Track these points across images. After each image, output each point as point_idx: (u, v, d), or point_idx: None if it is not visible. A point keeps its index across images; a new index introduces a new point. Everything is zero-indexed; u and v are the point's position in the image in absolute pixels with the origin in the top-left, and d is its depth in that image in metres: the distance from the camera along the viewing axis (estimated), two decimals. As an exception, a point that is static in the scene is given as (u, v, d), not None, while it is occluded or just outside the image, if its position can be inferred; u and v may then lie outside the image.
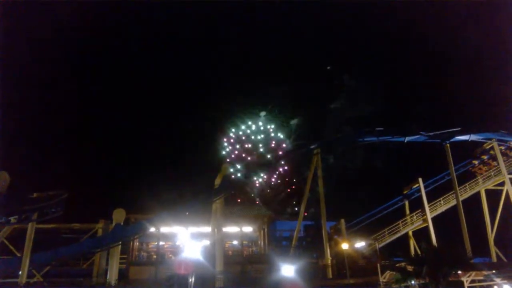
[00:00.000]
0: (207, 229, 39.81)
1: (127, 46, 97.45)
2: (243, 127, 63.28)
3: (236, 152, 61.35)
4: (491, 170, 46.77)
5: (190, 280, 23.86)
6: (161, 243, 41.54)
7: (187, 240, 37.94)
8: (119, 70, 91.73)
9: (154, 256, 41.23)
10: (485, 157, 48.73)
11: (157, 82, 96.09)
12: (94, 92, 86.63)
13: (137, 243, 41.64)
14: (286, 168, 55.77)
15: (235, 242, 45.68)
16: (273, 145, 59.85)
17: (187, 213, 37.17)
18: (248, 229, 44.25)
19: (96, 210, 45.81)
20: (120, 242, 34.70)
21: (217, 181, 38.43)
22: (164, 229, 40.52)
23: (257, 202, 49.35)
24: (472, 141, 44.18)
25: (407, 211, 46.74)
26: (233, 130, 63.57)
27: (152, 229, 37.66)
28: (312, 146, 40.08)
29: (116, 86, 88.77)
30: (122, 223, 35.91)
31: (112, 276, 33.58)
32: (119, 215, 36.12)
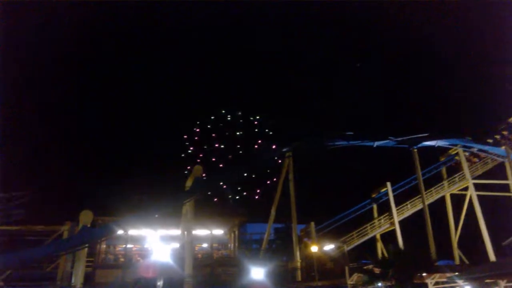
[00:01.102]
0: (176, 231, 39.37)
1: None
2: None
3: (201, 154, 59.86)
4: (456, 175, 48.32)
5: (158, 283, 23.48)
6: (129, 245, 40.80)
7: (156, 243, 37.36)
8: (86, 70, 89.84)
9: (122, 259, 40.44)
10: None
11: (126, 81, 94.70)
12: (62, 91, 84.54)
13: (104, 246, 40.78)
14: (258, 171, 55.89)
15: (205, 245, 45.40)
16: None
17: (156, 216, 36.65)
18: (218, 232, 44.08)
19: (62, 211, 44.50)
20: (87, 245, 33.81)
21: (188, 183, 38.05)
22: (133, 232, 39.83)
23: (229, 205, 49.20)
24: (439, 147, 45.39)
25: (375, 215, 47.61)
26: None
27: (120, 232, 36.98)
28: (284, 149, 40.29)
29: (84, 86, 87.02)
30: (89, 225, 34.99)
31: (78, 279, 32.66)
32: (86, 217, 35.11)
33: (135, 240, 41.29)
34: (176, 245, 38.54)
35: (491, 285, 31.86)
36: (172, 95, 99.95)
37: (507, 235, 34.27)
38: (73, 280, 33.15)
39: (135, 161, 75.87)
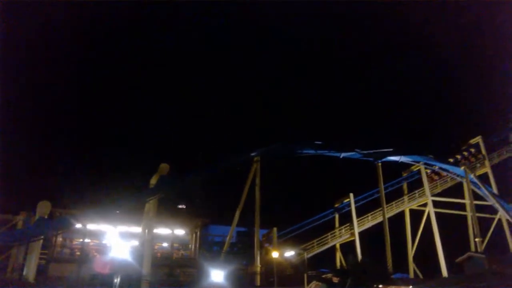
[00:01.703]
0: (137, 229, 38.62)
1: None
2: None
3: None
4: (416, 191, 49.80)
5: (116, 280, 22.95)
6: (86, 240, 39.71)
7: (115, 239, 36.56)
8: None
9: (78, 254, 39.28)
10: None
11: (95, 75, 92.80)
12: (25, 83, 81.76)
13: (60, 239, 39.53)
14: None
15: (165, 244, 44.77)
16: None
17: (117, 212, 35.91)
18: (180, 232, 43.57)
19: (17, 201, 42.79)
20: (42, 237, 32.71)
21: (153, 181, 37.45)
22: (91, 226, 38.81)
23: (192, 206, 48.78)
24: (402, 162, 46.63)
25: (337, 224, 48.33)
26: None
27: (78, 225, 36.01)
28: (252, 154, 40.35)
29: (50, 77, 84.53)
30: (46, 217, 33.85)
31: (30, 272, 31.52)
32: (43, 208, 34.00)
33: (93, 235, 40.28)
34: (136, 242, 37.79)
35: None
36: (141, 90, 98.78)
37: (461, 252, 35.60)
38: (24, 273, 31.97)
39: (99, 154, 74.29)
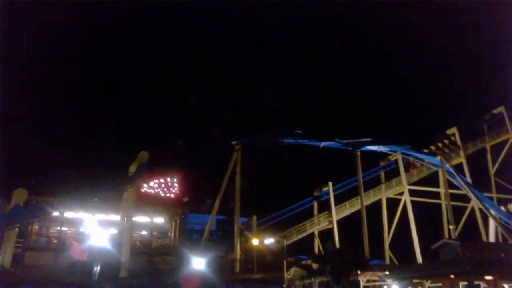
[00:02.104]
0: (115, 217, 38.25)
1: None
2: None
3: None
4: (393, 180, 50.77)
5: (95, 268, 22.72)
6: (63, 228, 39.10)
7: (93, 227, 36.15)
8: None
9: (55, 242, 38.70)
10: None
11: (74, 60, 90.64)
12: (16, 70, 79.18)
13: (37, 227, 38.84)
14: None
15: (144, 233, 44.52)
16: None
17: (95, 200, 35.48)
18: (159, 220, 43.37)
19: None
20: (18, 225, 32.05)
21: (132, 169, 37.10)
22: (69, 214, 38.23)
23: (172, 194, 48.41)
24: (381, 152, 47.36)
25: (315, 212, 48.93)
26: None
27: (55, 213, 35.41)
28: (234, 142, 40.31)
29: (38, 66, 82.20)
30: (22, 205, 33.13)
31: (5, 260, 30.88)
32: (19, 196, 33.25)
33: (71, 223, 39.66)
34: (114, 230, 37.47)
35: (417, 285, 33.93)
36: (122, 77, 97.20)
37: (435, 239, 36.55)
38: None
39: (77, 141, 72.90)
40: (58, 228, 38.78)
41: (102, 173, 36.93)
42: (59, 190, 35.47)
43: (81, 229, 39.70)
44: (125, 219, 35.67)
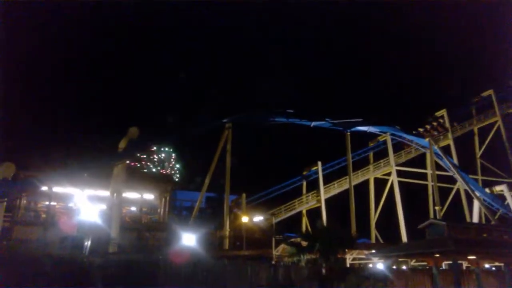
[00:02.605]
0: (105, 193, 38.11)
1: None
2: None
3: None
4: (381, 161, 51.33)
5: (86, 243, 22.77)
6: (52, 203, 38.89)
7: (83, 202, 36.03)
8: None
9: (43, 216, 38.52)
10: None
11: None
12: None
13: (25, 202, 38.55)
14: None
15: (133, 208, 44.54)
16: None
17: (85, 175, 35.30)
18: (149, 196, 43.38)
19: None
20: (6, 199, 31.80)
21: (122, 145, 36.78)
22: (58, 189, 37.98)
23: (162, 170, 48.39)
24: (370, 132, 47.72)
25: (304, 191, 49.45)
26: None
27: (44, 188, 35.18)
28: (225, 120, 40.17)
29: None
30: (10, 179, 32.79)
31: (-6, 233, 30.78)
32: (7, 170, 32.76)
33: (60, 198, 39.41)
34: (104, 206, 37.38)
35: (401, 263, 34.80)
36: (112, 52, 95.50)
37: (420, 219, 37.30)
38: (-12, 235, 31.22)
39: (67, 116, 71.99)
40: (47, 202, 38.55)
41: (91, 149, 36.67)
42: (48, 165, 35.17)
43: (70, 204, 39.52)
44: (115, 195, 35.55)
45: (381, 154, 52.58)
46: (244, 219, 35.53)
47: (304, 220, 49.16)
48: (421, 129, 54.39)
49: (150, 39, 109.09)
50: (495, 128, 56.49)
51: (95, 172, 35.28)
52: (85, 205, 33.79)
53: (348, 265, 34.19)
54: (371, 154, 53.38)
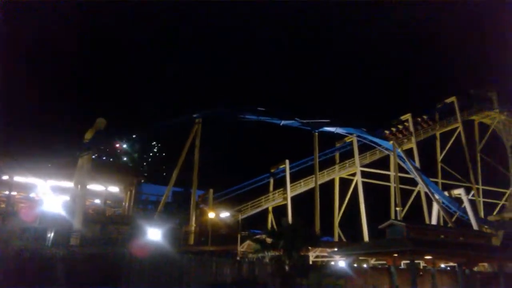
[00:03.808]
0: (69, 184, 37.32)
1: None
2: None
3: None
4: (347, 161, 52.47)
5: (49, 235, 22.31)
6: (13, 193, 37.77)
7: (45, 193, 35.17)
8: None
9: (2, 206, 37.36)
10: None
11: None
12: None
13: (-17, 190, 37.33)
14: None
15: (97, 201, 43.81)
16: None
17: (48, 165, 34.46)
18: (114, 189, 42.78)
19: None
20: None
21: (88, 136, 36.08)
22: (19, 179, 36.92)
23: (128, 163, 47.82)
24: (338, 133, 48.69)
25: (271, 188, 49.90)
26: None
27: (4, 177, 34.14)
28: (195, 115, 40.06)
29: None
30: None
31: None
32: (-35, 157, 31.74)
33: (21, 187, 38.35)
34: (67, 197, 36.61)
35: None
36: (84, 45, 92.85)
37: (382, 220, 38.51)
38: None
39: (32, 104, 69.51)
40: (7, 192, 37.41)
41: (56, 138, 35.82)
42: (9, 153, 34.12)
43: (32, 195, 38.49)
44: (79, 186, 34.87)
45: (347, 155, 53.66)
46: (211, 214, 35.62)
47: (270, 217, 49.62)
48: (387, 132, 55.91)
49: (120, 30, 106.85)
50: (456, 134, 58.79)
51: (59, 162, 34.46)
52: (47, 196, 33.02)
53: (311, 263, 34.96)
54: (337, 155, 54.33)
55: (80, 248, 24.18)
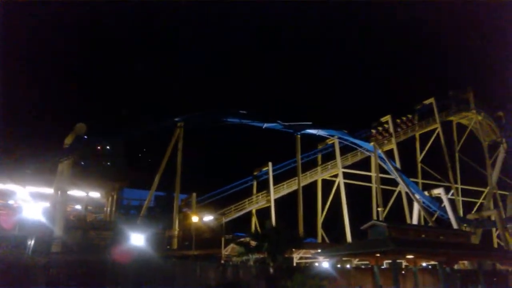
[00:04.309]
0: (49, 190, 36.71)
1: None
2: None
3: None
4: (329, 163, 52.92)
5: (29, 242, 21.90)
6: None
7: (25, 199, 34.51)
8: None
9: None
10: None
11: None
12: None
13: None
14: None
15: (78, 207, 43.21)
16: None
17: (27, 171, 33.83)
18: (95, 194, 42.25)
19: None
20: None
21: (68, 141, 35.62)
22: (-4, 186, 36.21)
23: (109, 168, 47.15)
24: (319, 135, 49.06)
25: (254, 191, 49.92)
26: None
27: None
28: (177, 119, 39.85)
29: None
30: None
31: None
32: None
33: (-1, 194, 37.60)
34: (47, 204, 35.99)
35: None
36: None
37: (364, 220, 38.95)
38: None
39: (11, 108, 68.13)
40: (-16, 199, 36.66)
41: (35, 143, 35.20)
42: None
43: (10, 202, 37.72)
44: (59, 192, 34.36)
45: (329, 157, 54.12)
46: (194, 218, 35.37)
47: (254, 220, 49.62)
48: (373, 131, 56.45)
49: (101, 33, 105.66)
50: (435, 134, 59.82)
51: (38, 168, 33.86)
52: (27, 202, 32.41)
53: (295, 264, 35.11)
54: (319, 156, 54.81)
55: (62, 255, 23.80)
